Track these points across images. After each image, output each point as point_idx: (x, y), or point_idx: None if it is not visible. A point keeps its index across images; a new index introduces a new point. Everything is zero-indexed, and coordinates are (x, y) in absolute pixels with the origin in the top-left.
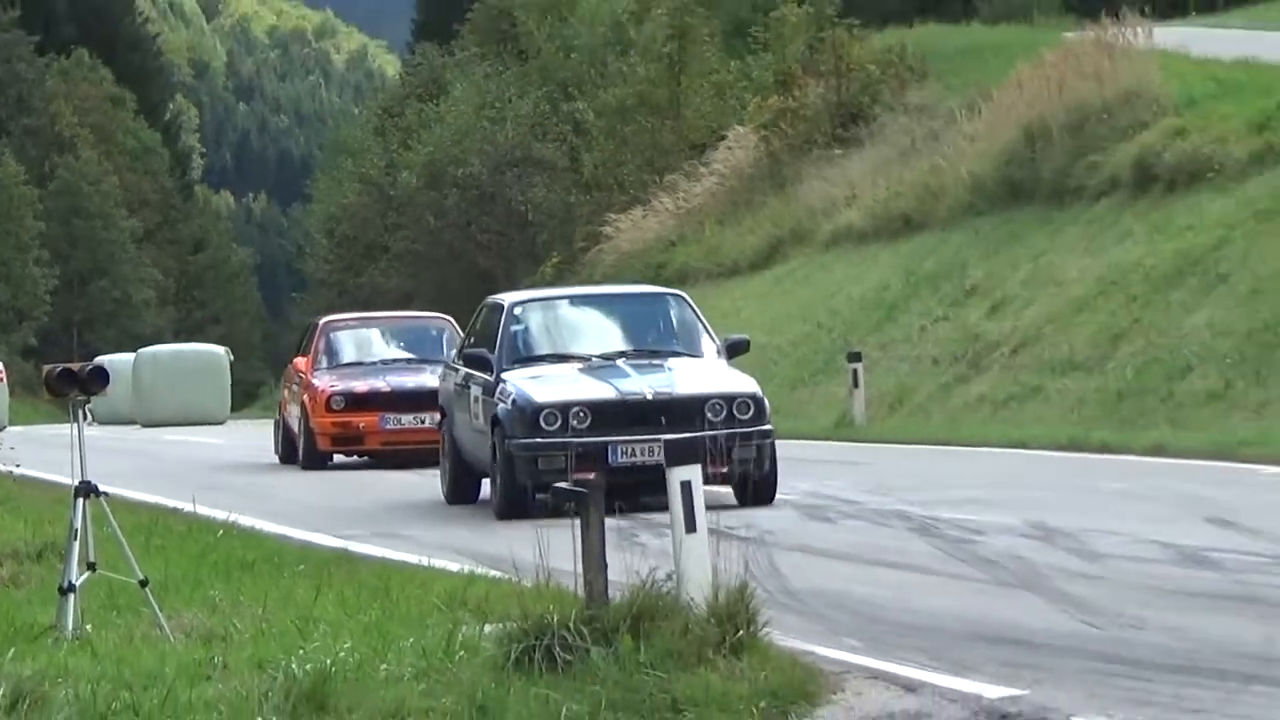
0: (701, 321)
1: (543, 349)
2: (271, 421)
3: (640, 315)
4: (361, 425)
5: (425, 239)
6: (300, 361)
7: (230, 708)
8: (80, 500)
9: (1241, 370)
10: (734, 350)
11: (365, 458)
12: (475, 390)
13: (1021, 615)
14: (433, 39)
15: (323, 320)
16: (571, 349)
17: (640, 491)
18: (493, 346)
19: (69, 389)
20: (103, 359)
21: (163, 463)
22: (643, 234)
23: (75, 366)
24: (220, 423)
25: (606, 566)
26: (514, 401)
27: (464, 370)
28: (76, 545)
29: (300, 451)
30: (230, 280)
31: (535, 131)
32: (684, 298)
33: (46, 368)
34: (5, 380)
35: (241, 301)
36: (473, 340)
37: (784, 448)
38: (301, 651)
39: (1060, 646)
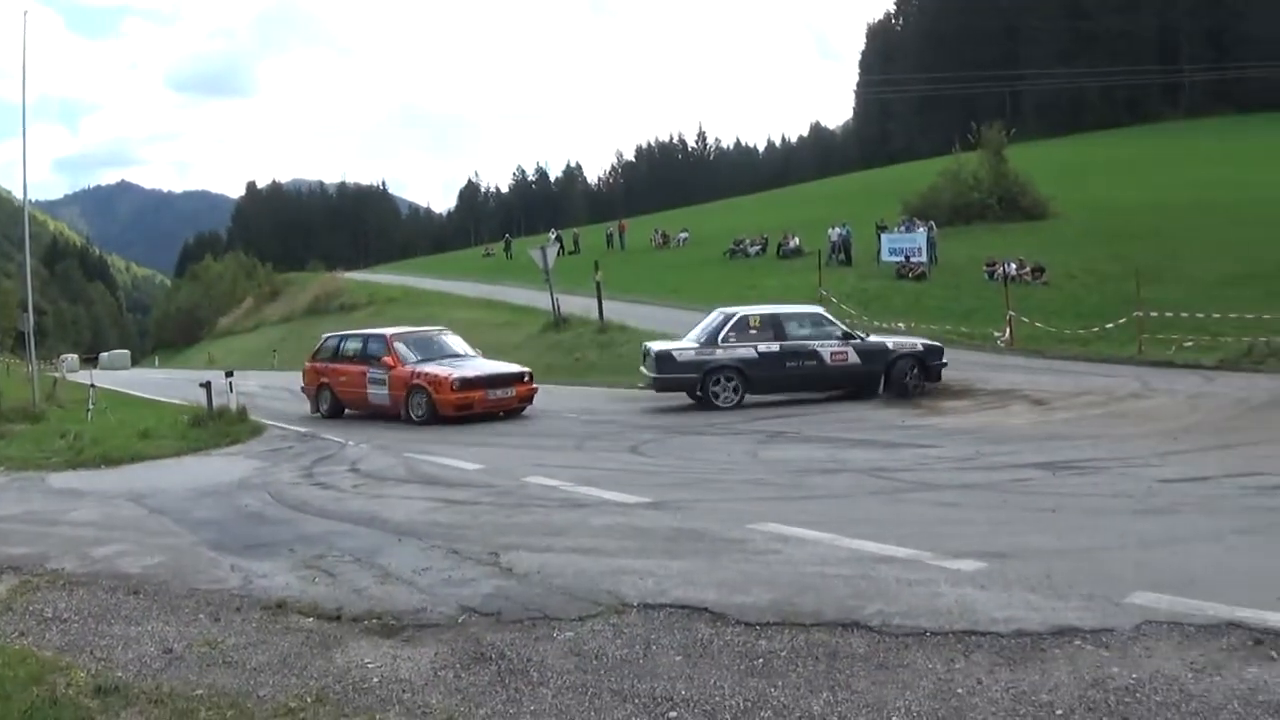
0: None
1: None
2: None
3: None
4: (475, 397)
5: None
6: (381, 357)
7: (125, 435)
8: (91, 387)
9: None
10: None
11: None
12: (830, 348)
13: (368, 422)
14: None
15: (389, 333)
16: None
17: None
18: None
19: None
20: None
21: (108, 379)
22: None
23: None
24: (127, 369)
25: (212, 402)
26: (926, 348)
27: (774, 342)
28: (90, 397)
29: (422, 415)
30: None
31: None
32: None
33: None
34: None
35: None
36: (742, 331)
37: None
38: (143, 422)
39: (352, 428)
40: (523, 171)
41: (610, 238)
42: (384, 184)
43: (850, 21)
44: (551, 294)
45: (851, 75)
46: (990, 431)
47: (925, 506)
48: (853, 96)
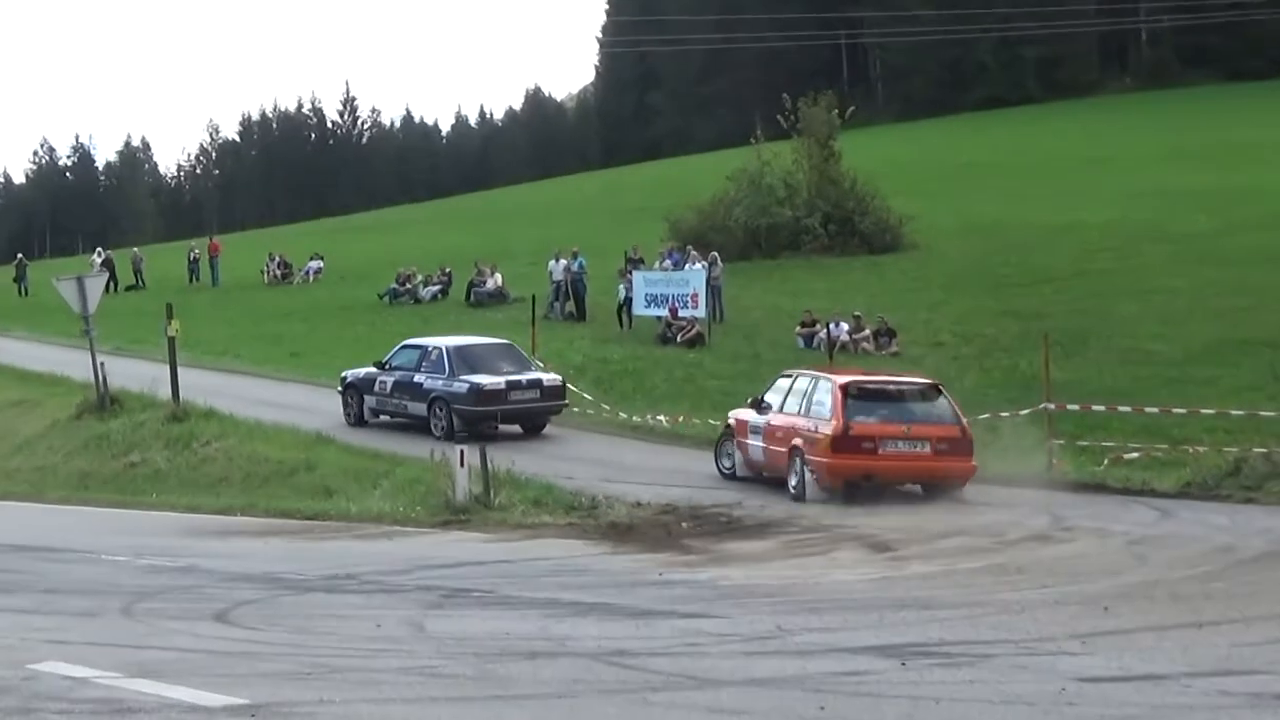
0: None
1: None
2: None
3: None
4: None
5: None
6: None
7: None
8: None
9: None
10: None
11: None
12: None
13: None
14: None
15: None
16: None
17: None
18: None
19: None
20: None
21: None
22: None
23: None
24: None
25: None
26: None
27: None
28: None
29: None
30: None
31: None
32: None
33: None
34: None
35: None
36: None
37: None
38: None
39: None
40: (51, 150)
41: (194, 264)
42: None
43: None
44: (94, 355)
45: (596, 16)
46: (801, 594)
47: (691, 713)
48: (595, 49)
